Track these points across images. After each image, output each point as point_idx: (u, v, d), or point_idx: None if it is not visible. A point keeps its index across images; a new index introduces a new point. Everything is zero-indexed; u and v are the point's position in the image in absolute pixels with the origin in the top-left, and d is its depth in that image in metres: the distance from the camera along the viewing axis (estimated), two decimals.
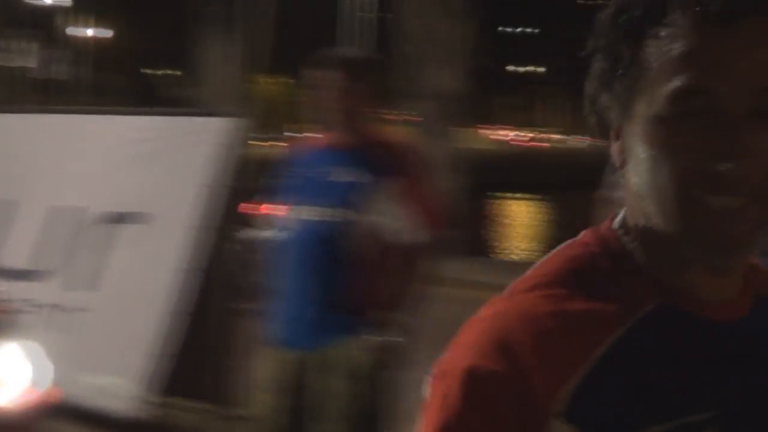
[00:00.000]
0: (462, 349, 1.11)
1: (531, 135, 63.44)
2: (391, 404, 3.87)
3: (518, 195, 35.99)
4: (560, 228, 28.27)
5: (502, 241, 25.03)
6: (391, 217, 3.71)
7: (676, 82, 1.07)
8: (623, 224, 1.18)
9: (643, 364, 1.11)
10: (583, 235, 1.21)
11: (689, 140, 1.06)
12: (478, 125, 54.43)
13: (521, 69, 72.91)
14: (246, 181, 5.38)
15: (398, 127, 16.85)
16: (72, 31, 44.52)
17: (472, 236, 16.77)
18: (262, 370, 3.97)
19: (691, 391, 1.11)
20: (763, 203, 1.07)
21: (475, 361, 1.09)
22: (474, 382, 1.08)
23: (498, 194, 33.96)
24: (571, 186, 29.14)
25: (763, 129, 1.06)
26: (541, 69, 71.54)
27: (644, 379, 1.10)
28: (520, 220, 30.60)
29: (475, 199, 18.91)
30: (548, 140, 61.83)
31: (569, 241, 1.21)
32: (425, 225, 3.76)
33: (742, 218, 1.07)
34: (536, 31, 72.37)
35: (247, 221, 4.39)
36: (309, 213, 3.78)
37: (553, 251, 1.21)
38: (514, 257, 21.79)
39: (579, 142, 60.40)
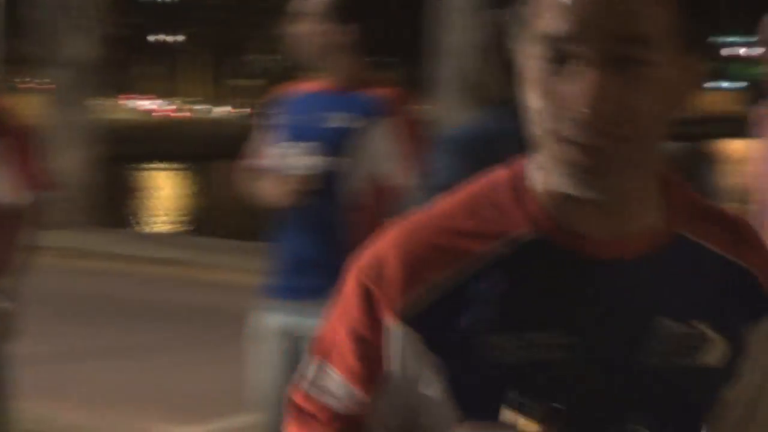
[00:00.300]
0: (364, 250, 1.26)
1: (173, 105, 62.90)
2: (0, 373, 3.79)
3: (161, 165, 35.66)
4: (203, 197, 28.32)
5: (143, 212, 24.75)
6: None
7: (546, 29, 1.15)
8: (534, 159, 1.24)
9: (501, 285, 1.20)
10: (505, 165, 1.28)
11: (558, 82, 1.15)
12: (119, 95, 53.32)
13: (162, 38, 72.03)
14: None
15: (32, 96, 16.20)
16: None
17: (110, 207, 16.49)
18: None
19: (542, 314, 1.20)
20: (629, 143, 1.15)
21: (360, 262, 1.24)
22: (349, 280, 1.24)
23: (139, 165, 33.49)
24: (214, 155, 29.20)
25: (625, 75, 1.14)
26: (182, 38, 71.02)
27: (496, 297, 1.19)
28: (162, 190, 30.34)
29: (114, 169, 18.53)
30: (191, 110, 61.54)
31: (494, 170, 1.29)
32: (28, 189, 3.70)
33: (608, 155, 1.14)
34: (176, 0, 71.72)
35: None
36: None
37: (478, 178, 1.29)
38: (154, 228, 21.63)
39: (223, 112, 60.53)
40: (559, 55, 1.15)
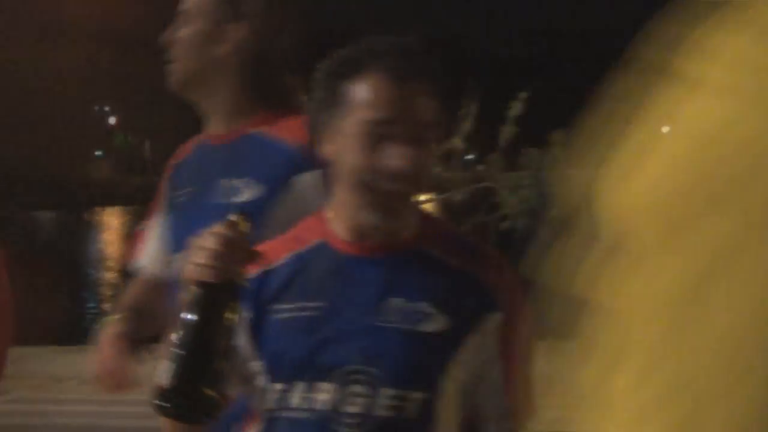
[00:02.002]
0: None
1: None
2: None
3: None
4: None
5: None
6: None
7: (372, 113, 1.82)
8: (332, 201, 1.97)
9: (292, 272, 1.91)
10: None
11: (379, 150, 1.81)
12: None
13: None
14: None
15: None
16: None
17: None
18: None
19: (311, 290, 1.89)
20: (412, 193, 1.88)
21: None
22: None
23: None
24: None
25: (422, 146, 1.82)
26: None
27: (288, 279, 1.91)
28: None
29: None
30: None
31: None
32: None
33: (400, 199, 1.86)
34: None
35: None
36: None
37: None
38: None
39: None
40: (383, 132, 1.83)
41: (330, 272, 1.89)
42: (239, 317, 1.77)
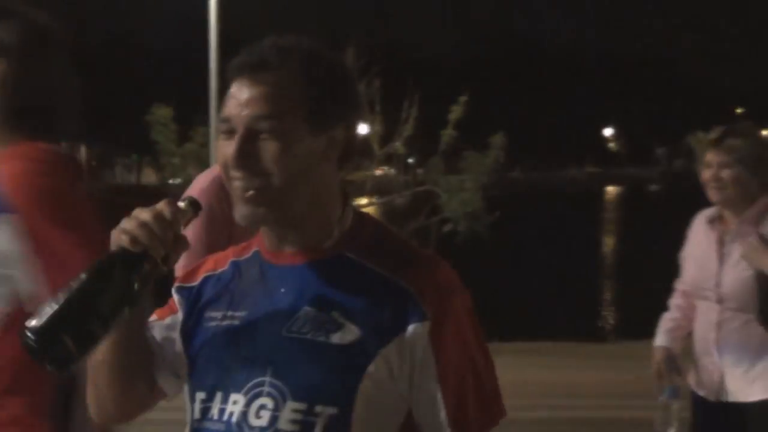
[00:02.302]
0: None
1: None
2: None
3: None
4: None
5: None
6: None
7: (222, 112, 1.79)
8: None
9: (228, 280, 1.89)
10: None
11: (224, 145, 1.78)
12: None
13: None
14: None
15: None
16: None
17: None
18: None
19: (237, 300, 1.85)
20: (268, 188, 1.74)
21: None
22: None
23: None
24: None
25: (259, 140, 1.75)
26: None
27: (224, 287, 1.89)
28: None
29: None
30: None
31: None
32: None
33: (253, 196, 1.75)
34: None
35: None
36: None
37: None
38: None
39: None
40: (226, 129, 1.78)
41: (256, 281, 1.86)
42: (142, 294, 1.73)
